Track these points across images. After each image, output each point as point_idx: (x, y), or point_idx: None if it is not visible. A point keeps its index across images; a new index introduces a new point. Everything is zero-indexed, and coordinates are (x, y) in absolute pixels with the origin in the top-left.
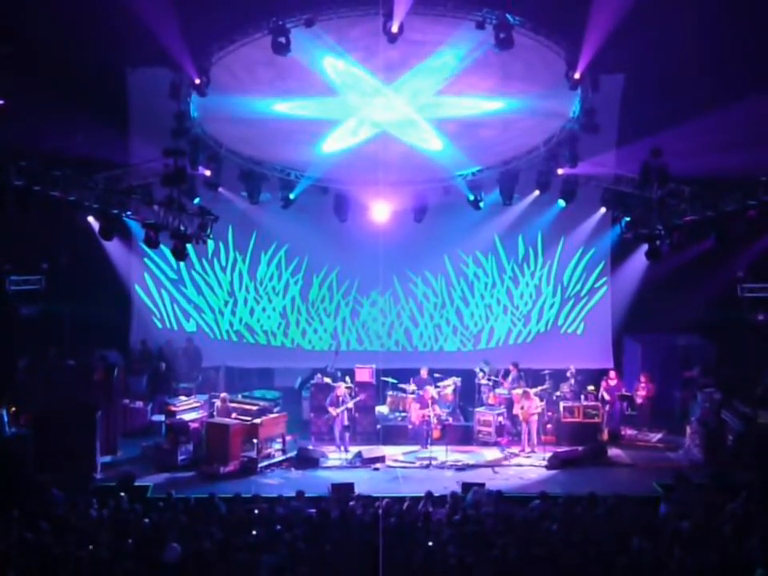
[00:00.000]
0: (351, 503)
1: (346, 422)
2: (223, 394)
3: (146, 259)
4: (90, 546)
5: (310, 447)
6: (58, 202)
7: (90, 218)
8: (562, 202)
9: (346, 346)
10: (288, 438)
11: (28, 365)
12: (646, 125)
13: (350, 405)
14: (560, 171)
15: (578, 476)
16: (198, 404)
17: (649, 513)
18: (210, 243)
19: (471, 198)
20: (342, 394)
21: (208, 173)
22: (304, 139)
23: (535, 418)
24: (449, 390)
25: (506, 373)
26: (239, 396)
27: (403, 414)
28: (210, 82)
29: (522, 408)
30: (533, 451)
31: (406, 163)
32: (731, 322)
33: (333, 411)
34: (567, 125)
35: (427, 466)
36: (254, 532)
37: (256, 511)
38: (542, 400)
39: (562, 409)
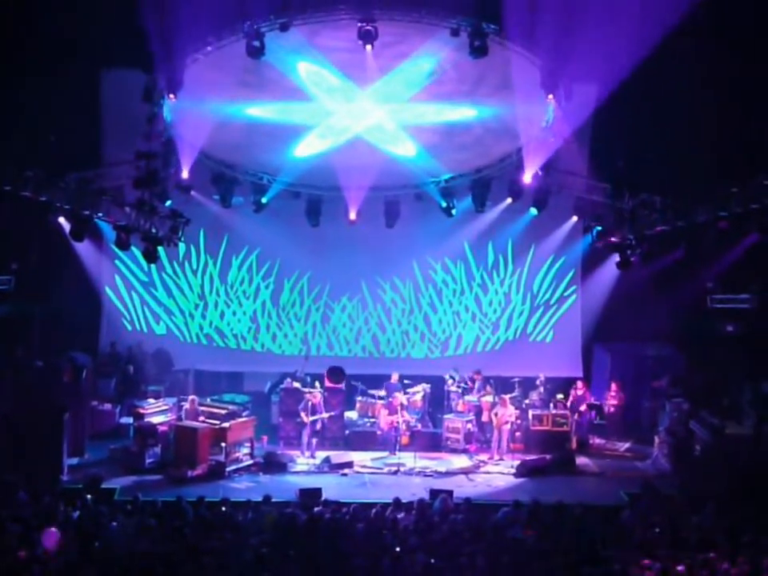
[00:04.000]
0: (318, 508)
1: (318, 428)
2: (192, 397)
3: (116, 261)
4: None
5: (279, 452)
6: (29, 202)
7: (61, 219)
8: (533, 210)
9: (316, 350)
10: (257, 443)
11: None
12: (619, 134)
13: (325, 416)
14: (527, 179)
15: (545, 484)
16: (166, 407)
17: (616, 522)
18: (182, 246)
19: (444, 204)
20: (317, 402)
21: (186, 174)
22: (277, 143)
23: (508, 426)
24: (418, 397)
25: (471, 380)
26: (208, 399)
27: (372, 420)
28: (182, 84)
29: (496, 414)
30: (501, 459)
31: (379, 169)
32: (700, 332)
33: (305, 418)
34: (540, 133)
35: (395, 473)
36: (221, 536)
37: (223, 514)
38: (515, 408)
39: (530, 417)
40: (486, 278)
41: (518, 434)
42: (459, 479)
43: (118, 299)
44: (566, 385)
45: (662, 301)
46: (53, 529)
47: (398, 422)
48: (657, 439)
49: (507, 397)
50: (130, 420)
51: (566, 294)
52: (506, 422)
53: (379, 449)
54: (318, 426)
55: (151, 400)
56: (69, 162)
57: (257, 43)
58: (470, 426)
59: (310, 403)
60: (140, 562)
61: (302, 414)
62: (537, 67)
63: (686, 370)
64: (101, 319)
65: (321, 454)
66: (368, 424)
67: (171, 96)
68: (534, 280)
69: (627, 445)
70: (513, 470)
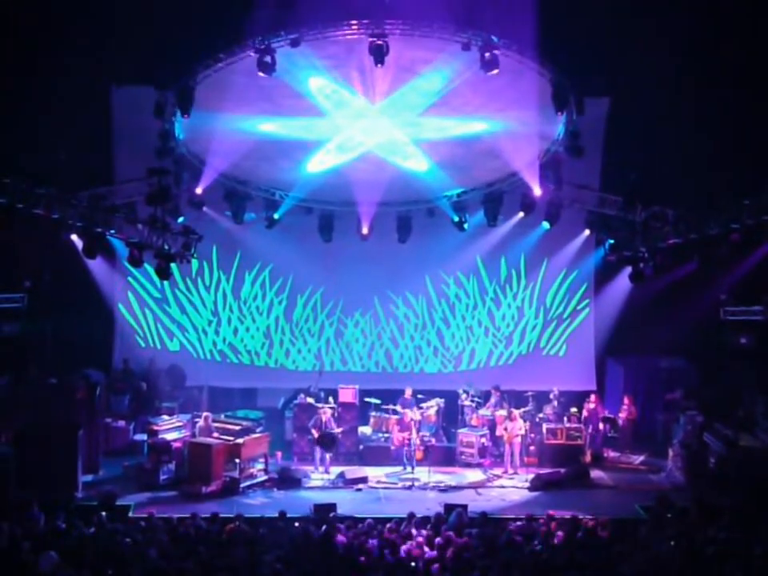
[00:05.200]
0: (333, 524)
1: None
2: (206, 414)
3: (129, 278)
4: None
5: (293, 467)
6: (42, 219)
7: (74, 236)
8: (546, 224)
9: (329, 366)
10: (271, 459)
11: (10, 383)
12: (631, 148)
13: (336, 431)
14: (537, 192)
15: (560, 498)
16: (180, 423)
17: (631, 535)
18: (194, 262)
19: (456, 219)
20: (327, 419)
21: (199, 190)
22: (289, 159)
23: (518, 439)
24: (432, 411)
25: (488, 395)
26: (222, 416)
27: (386, 435)
28: (193, 101)
29: (506, 429)
30: (515, 473)
31: (391, 184)
32: (714, 344)
33: (315, 434)
34: (552, 147)
35: (410, 487)
36: (236, 552)
37: (237, 530)
38: (525, 421)
39: (544, 431)
40: (498, 292)
41: (532, 447)
42: (474, 493)
43: (131, 316)
44: (580, 398)
45: (675, 313)
46: (51, 552)
47: (410, 439)
48: (671, 452)
49: (516, 411)
50: (144, 437)
51: (579, 307)
52: (516, 436)
53: (393, 464)
54: None
55: (165, 417)
56: (81, 179)
57: (268, 59)
58: (483, 440)
59: (319, 420)
60: None
61: (313, 431)
62: (548, 80)
63: (699, 383)
64: (114, 336)
65: (335, 470)
66: (382, 439)
67: (185, 115)
68: (546, 294)
69: (641, 458)
70: (527, 484)
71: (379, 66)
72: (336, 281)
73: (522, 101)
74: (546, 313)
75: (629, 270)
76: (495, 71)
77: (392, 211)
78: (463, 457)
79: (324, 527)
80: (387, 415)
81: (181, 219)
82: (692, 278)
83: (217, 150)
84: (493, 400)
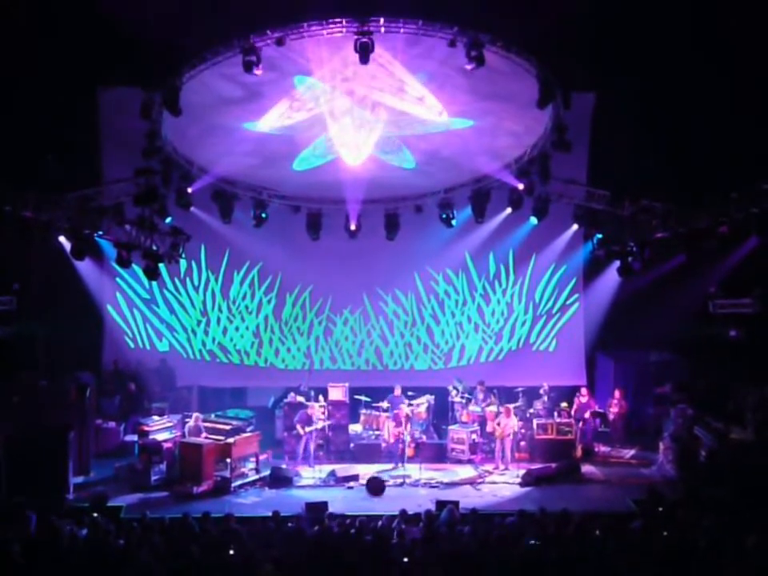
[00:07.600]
0: (325, 522)
1: (320, 441)
2: (196, 414)
3: (117, 279)
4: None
5: (284, 466)
6: (30, 222)
7: (62, 238)
8: (533, 219)
9: (319, 364)
10: (262, 456)
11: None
12: (618, 141)
13: (319, 426)
14: (520, 186)
15: (551, 493)
16: (170, 424)
17: (623, 529)
18: (183, 262)
19: (443, 215)
20: (312, 413)
21: (190, 190)
22: (275, 158)
23: (510, 437)
24: (422, 408)
25: (472, 391)
26: (212, 415)
27: (377, 433)
28: (180, 100)
29: (499, 425)
30: (506, 468)
31: (378, 181)
32: (703, 337)
33: (300, 429)
34: (539, 142)
35: (401, 484)
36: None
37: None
38: (518, 418)
39: (535, 426)
40: (488, 288)
41: (522, 443)
42: (465, 490)
43: (120, 317)
44: (570, 393)
45: (664, 307)
46: None
47: (403, 434)
48: (662, 445)
49: (511, 407)
50: (135, 438)
51: (568, 302)
52: (509, 434)
53: (384, 461)
54: (319, 438)
55: (155, 417)
56: (68, 180)
57: (253, 58)
58: (474, 436)
59: (305, 415)
60: None
61: (298, 426)
62: (533, 76)
63: (689, 376)
64: (103, 337)
65: (326, 468)
66: (373, 437)
67: (174, 115)
68: (535, 289)
69: (632, 452)
70: (518, 480)
71: (365, 63)
72: (325, 279)
73: (509, 96)
74: (536, 308)
75: (617, 264)
76: (482, 67)
77: (379, 208)
78: (454, 453)
79: (317, 526)
80: (377, 413)
81: (168, 219)
82: (680, 271)
83: (207, 152)
84: (480, 396)
